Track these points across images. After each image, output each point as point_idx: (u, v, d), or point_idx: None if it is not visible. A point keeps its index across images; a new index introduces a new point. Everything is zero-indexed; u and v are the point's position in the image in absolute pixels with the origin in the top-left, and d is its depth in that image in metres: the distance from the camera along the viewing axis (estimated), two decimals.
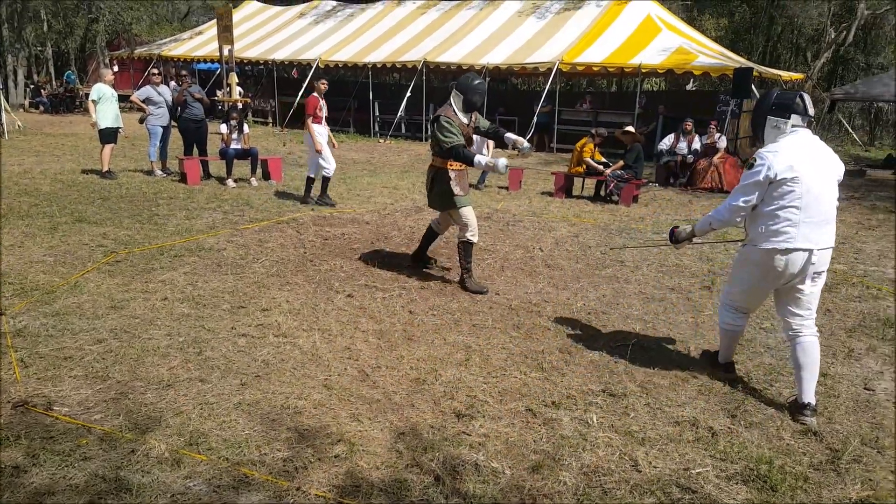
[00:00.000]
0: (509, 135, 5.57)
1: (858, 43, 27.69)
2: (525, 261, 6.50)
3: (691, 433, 3.32)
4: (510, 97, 21.61)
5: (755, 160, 3.51)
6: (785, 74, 17.58)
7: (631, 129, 10.70)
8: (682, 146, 12.13)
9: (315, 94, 8.60)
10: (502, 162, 5.21)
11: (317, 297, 5.10)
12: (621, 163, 10.14)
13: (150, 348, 4.05)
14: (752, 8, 29.03)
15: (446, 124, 5.24)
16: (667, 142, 12.52)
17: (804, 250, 3.44)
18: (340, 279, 5.60)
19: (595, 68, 16.52)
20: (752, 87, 13.66)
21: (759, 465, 3.03)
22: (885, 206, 10.59)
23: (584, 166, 10.36)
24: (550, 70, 15.97)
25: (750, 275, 3.67)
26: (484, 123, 5.66)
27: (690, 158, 11.98)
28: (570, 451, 3.11)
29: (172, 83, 12.48)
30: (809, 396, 3.54)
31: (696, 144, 12.09)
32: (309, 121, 8.47)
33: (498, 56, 17.37)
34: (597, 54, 16.16)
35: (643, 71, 15.71)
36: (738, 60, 16.26)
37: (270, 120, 21.64)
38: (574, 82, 24.56)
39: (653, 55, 15.39)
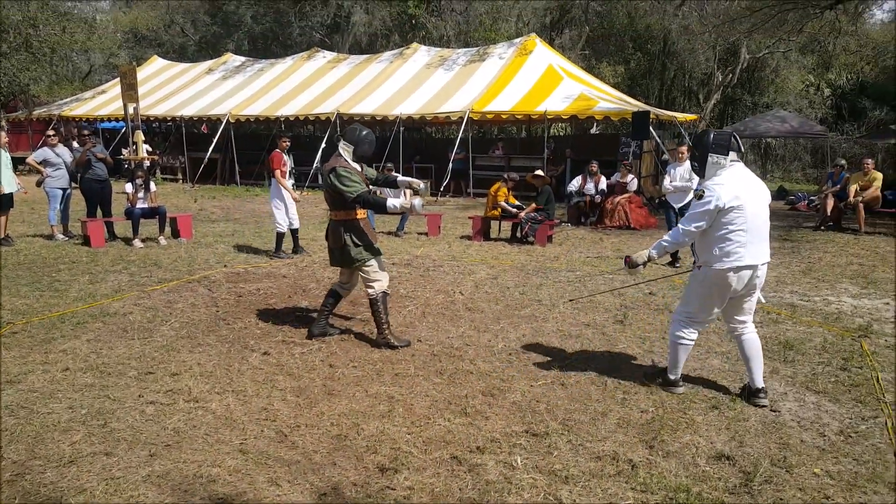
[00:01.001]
0: (402, 178, 5.53)
1: (744, 84, 29.91)
2: (446, 305, 6.53)
3: (612, 467, 3.37)
4: (425, 145, 21.97)
5: (704, 192, 3.98)
6: (680, 116, 18.71)
7: (541, 172, 11.08)
8: (590, 187, 12.63)
9: (278, 150, 8.84)
10: (417, 201, 5.02)
11: (230, 358, 4.92)
12: (534, 205, 10.45)
13: (49, 423, 3.79)
14: (646, 56, 30.94)
15: (346, 174, 5.03)
16: (575, 183, 13.00)
17: (751, 267, 3.97)
18: (256, 337, 5.45)
19: (504, 116, 17.08)
20: (651, 128, 14.43)
21: (678, 494, 3.11)
22: (778, 234, 11.29)
23: (500, 210, 10.61)
24: (462, 118, 16.40)
25: (706, 292, 4.13)
26: (372, 173, 5.46)
27: (598, 198, 12.47)
28: (496, 497, 3.09)
29: (75, 143, 12.03)
30: (759, 382, 4.15)
31: (603, 185, 12.61)
32: (277, 174, 8.67)
33: (411, 106, 17.70)
34: (505, 103, 16.74)
35: (549, 117, 16.36)
36: (636, 104, 17.19)
37: (180, 176, 21.11)
38: (485, 129, 25.26)
39: (557, 102, 16.07)
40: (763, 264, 4.05)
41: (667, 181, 8.78)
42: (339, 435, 3.71)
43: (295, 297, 6.74)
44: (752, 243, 3.95)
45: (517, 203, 10.80)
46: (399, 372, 4.68)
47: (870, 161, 11.94)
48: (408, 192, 5.45)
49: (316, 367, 4.75)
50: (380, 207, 5.12)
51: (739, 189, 3.91)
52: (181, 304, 6.39)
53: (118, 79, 18.69)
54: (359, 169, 5.23)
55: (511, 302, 6.69)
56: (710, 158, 4.03)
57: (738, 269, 3.96)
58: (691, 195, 8.39)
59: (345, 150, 5.22)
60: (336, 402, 4.15)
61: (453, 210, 14.41)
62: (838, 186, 11.98)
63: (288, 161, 8.83)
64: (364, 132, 5.25)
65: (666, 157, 15.76)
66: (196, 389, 4.30)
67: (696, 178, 8.34)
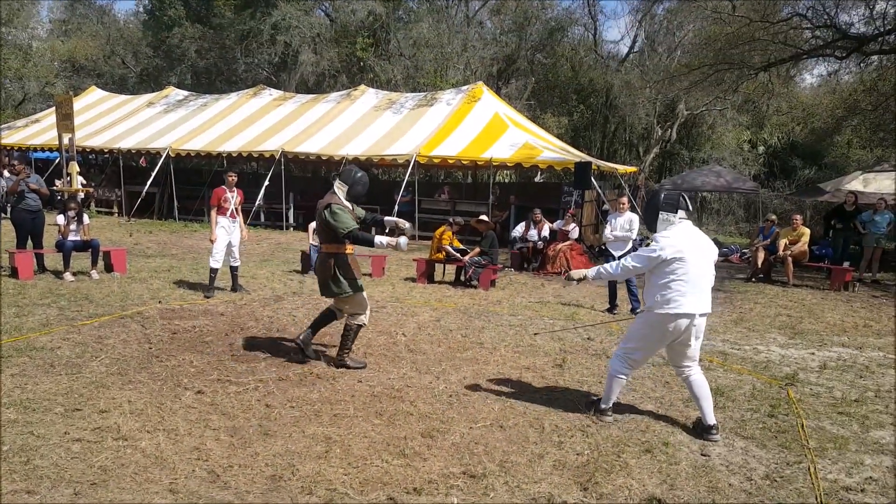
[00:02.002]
0: (388, 218, 5.90)
1: (682, 139, 31.30)
2: (388, 346, 6.50)
3: None
4: (372, 187, 21.87)
5: (652, 242, 4.42)
6: (621, 168, 19.38)
7: (485, 217, 11.26)
8: (533, 233, 12.88)
9: (224, 185, 8.74)
10: (403, 240, 5.32)
11: (162, 396, 4.76)
12: (478, 249, 10.58)
13: None
14: (588, 108, 32.10)
15: (339, 211, 5.43)
16: (519, 229, 13.25)
17: (688, 315, 4.30)
18: (190, 375, 5.29)
19: (451, 161, 17.33)
20: (592, 179, 14.89)
21: None
22: (713, 285, 11.70)
23: (444, 253, 10.69)
24: (409, 162, 16.57)
25: (646, 333, 4.50)
26: (361, 213, 5.82)
27: (541, 245, 12.73)
28: None
29: (6, 172, 11.62)
30: (711, 419, 4.45)
31: (546, 231, 12.88)
32: (213, 211, 8.56)
33: (357, 147, 17.79)
34: (452, 148, 17.01)
35: (494, 164, 16.70)
36: (578, 155, 17.76)
37: (116, 210, 20.51)
38: (432, 173, 25.57)
39: (502, 150, 16.43)
40: (701, 315, 4.35)
41: (608, 230, 9.05)
42: (274, 476, 3.62)
43: (233, 335, 6.59)
44: (691, 293, 4.29)
45: (461, 247, 10.92)
46: (338, 412, 4.61)
47: (798, 217, 12.59)
48: (396, 231, 5.76)
49: (252, 407, 4.64)
50: (368, 243, 5.42)
51: (683, 244, 4.32)
52: (112, 340, 6.16)
53: (53, 108, 18.26)
54: (350, 208, 5.59)
55: (453, 344, 6.71)
56: (660, 216, 4.47)
57: (676, 316, 4.30)
58: (630, 244, 8.68)
59: (339, 188, 5.63)
60: (272, 442, 4.06)
61: (397, 252, 14.41)
62: (768, 241, 12.54)
63: (231, 197, 8.69)
64: (359, 174, 5.68)
65: (607, 207, 16.26)
66: (125, 427, 4.14)
67: (635, 229, 8.65)
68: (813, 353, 7.01)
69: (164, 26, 32.13)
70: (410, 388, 5.21)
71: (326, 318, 5.91)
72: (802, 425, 4.75)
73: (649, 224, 4.57)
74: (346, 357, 5.68)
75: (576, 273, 4.83)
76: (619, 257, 8.61)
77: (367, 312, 5.79)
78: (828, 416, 5.03)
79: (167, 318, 7.15)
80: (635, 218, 8.82)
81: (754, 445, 4.38)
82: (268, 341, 6.44)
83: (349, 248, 5.60)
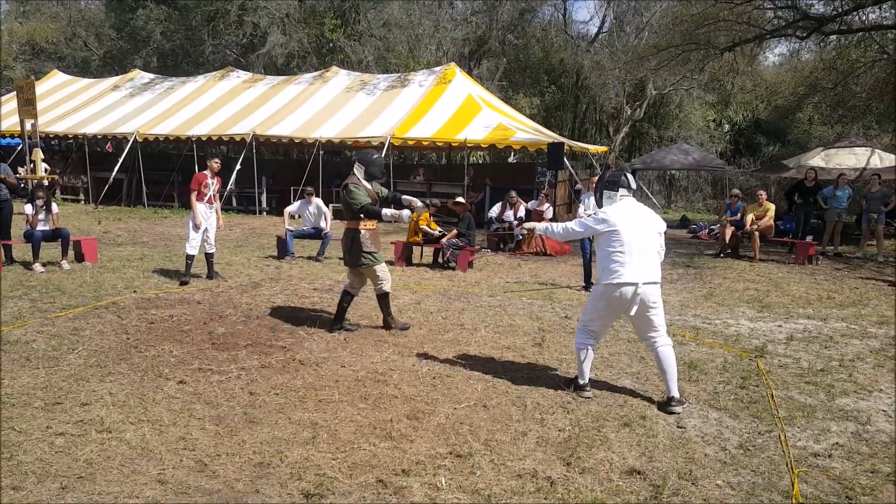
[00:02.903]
0: (405, 197, 6.44)
1: (651, 118, 31.60)
2: (369, 331, 6.53)
3: (532, 484, 3.48)
4: (346, 169, 21.82)
5: (596, 213, 4.79)
6: (592, 148, 19.55)
7: (461, 199, 11.30)
8: (509, 214, 12.97)
9: (205, 171, 8.64)
10: (406, 213, 6.06)
11: (144, 387, 4.75)
12: (455, 231, 10.64)
13: None
14: (560, 89, 32.21)
15: (354, 189, 6.06)
16: (495, 209, 13.33)
17: (631, 284, 4.55)
18: (170, 365, 5.27)
19: (425, 142, 17.33)
20: (565, 159, 15.01)
21: None
22: (682, 261, 11.95)
23: (421, 235, 10.73)
24: (383, 144, 16.50)
25: (598, 304, 4.79)
26: (383, 191, 6.45)
27: (516, 224, 12.83)
28: None
29: None
30: (674, 391, 4.65)
31: (521, 212, 12.98)
32: (192, 196, 8.48)
33: (330, 130, 17.66)
34: (425, 130, 16.98)
35: (469, 145, 16.73)
36: (551, 136, 17.85)
37: (83, 197, 20.09)
38: (406, 155, 25.48)
39: (476, 131, 16.46)
40: (645, 283, 4.58)
41: (581, 209, 9.16)
42: (262, 463, 3.66)
43: (212, 323, 6.57)
44: (632, 263, 4.57)
45: (438, 229, 10.96)
46: (323, 398, 4.65)
47: (763, 193, 12.87)
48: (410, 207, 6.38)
49: (236, 395, 4.65)
50: (377, 216, 6.12)
51: (621, 218, 4.65)
52: (88, 332, 6.10)
53: (13, 93, 17.74)
54: (368, 186, 6.21)
55: (434, 326, 6.77)
56: (604, 193, 4.87)
57: (619, 286, 4.58)
58: None
59: (358, 169, 6.25)
60: (258, 429, 4.09)
61: (400, 223, 14.41)
62: (737, 216, 12.79)
63: (211, 184, 8.59)
64: (374, 156, 6.35)
65: (579, 186, 16.40)
66: (109, 419, 4.13)
67: None
68: (780, 326, 7.23)
69: (128, 7, 31.36)
70: (394, 372, 5.27)
71: (345, 301, 6.48)
72: (772, 395, 4.92)
73: (598, 201, 4.96)
74: (390, 320, 6.51)
75: (528, 224, 5.42)
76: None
77: (388, 281, 6.42)
78: (796, 385, 5.21)
79: (143, 308, 7.09)
80: None
81: (727, 416, 4.53)
82: (248, 328, 6.44)
83: (368, 224, 6.18)
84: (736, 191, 13.68)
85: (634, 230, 4.63)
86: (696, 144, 26.53)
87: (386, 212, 6.08)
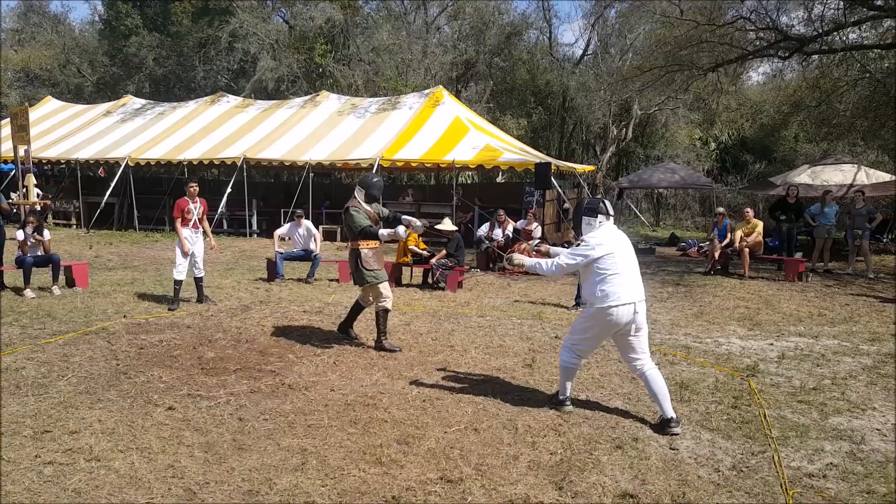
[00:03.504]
0: (405, 217, 6.72)
1: (637, 138, 31.90)
2: (359, 353, 6.52)
3: None
4: (336, 191, 21.93)
5: (582, 242, 4.80)
6: (579, 167, 19.68)
7: (447, 226, 11.30)
8: (498, 233, 13.02)
9: (185, 196, 8.62)
10: (401, 229, 6.43)
11: (133, 414, 4.71)
12: (444, 251, 10.67)
13: None
14: (546, 110, 32.51)
15: (354, 212, 6.43)
16: (484, 229, 13.38)
17: (629, 303, 4.63)
18: (160, 391, 5.23)
19: (414, 163, 17.41)
20: (552, 179, 15.10)
21: None
22: (672, 279, 11.99)
23: (411, 256, 10.74)
24: (372, 165, 16.56)
25: (590, 325, 4.84)
26: (384, 211, 6.87)
27: (502, 242, 12.88)
28: None
29: None
30: (669, 413, 4.65)
31: (509, 231, 13.03)
32: (177, 223, 8.53)
33: (321, 152, 17.73)
34: (414, 151, 17.08)
35: (457, 166, 16.82)
36: (538, 156, 17.99)
37: (75, 221, 20.05)
38: (395, 176, 25.58)
39: (464, 152, 16.56)
40: (640, 301, 4.70)
41: None
42: (251, 490, 3.63)
43: (201, 348, 6.54)
44: (627, 284, 4.67)
45: (428, 249, 10.99)
46: (312, 423, 4.63)
47: (750, 210, 12.97)
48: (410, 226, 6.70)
49: (224, 421, 4.62)
50: (375, 237, 6.42)
51: (609, 241, 4.74)
52: (78, 358, 6.06)
53: (8, 119, 17.75)
54: (369, 209, 6.57)
55: (424, 348, 6.77)
56: (583, 220, 4.89)
57: (618, 307, 4.63)
58: None
59: (358, 192, 6.60)
60: (247, 456, 4.06)
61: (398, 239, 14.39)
62: (725, 240, 12.76)
63: (194, 208, 8.59)
64: (375, 179, 6.75)
65: (567, 205, 16.50)
66: (97, 447, 4.09)
67: None
68: (771, 344, 7.25)
69: (121, 35, 31.61)
70: (384, 395, 5.25)
71: (355, 311, 7.00)
72: (765, 415, 4.91)
73: (576, 228, 4.99)
74: (383, 340, 6.63)
75: (516, 258, 5.25)
76: None
77: (389, 299, 6.68)
78: (788, 405, 5.21)
79: (133, 333, 7.04)
80: None
81: (720, 437, 4.52)
82: (237, 353, 6.41)
83: (369, 244, 6.51)
84: (720, 209, 13.76)
85: (624, 251, 4.77)
86: (682, 163, 26.75)
87: (382, 232, 6.40)
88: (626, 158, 32.54)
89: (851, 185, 16.60)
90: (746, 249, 12.21)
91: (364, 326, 7.59)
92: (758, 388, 5.59)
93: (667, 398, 4.69)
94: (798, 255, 13.26)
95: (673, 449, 4.31)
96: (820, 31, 14.53)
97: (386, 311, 6.67)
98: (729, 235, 12.64)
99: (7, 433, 4.30)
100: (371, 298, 6.81)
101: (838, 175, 17.52)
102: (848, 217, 13.45)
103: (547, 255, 5.29)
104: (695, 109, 30.83)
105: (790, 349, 7.01)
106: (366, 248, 6.51)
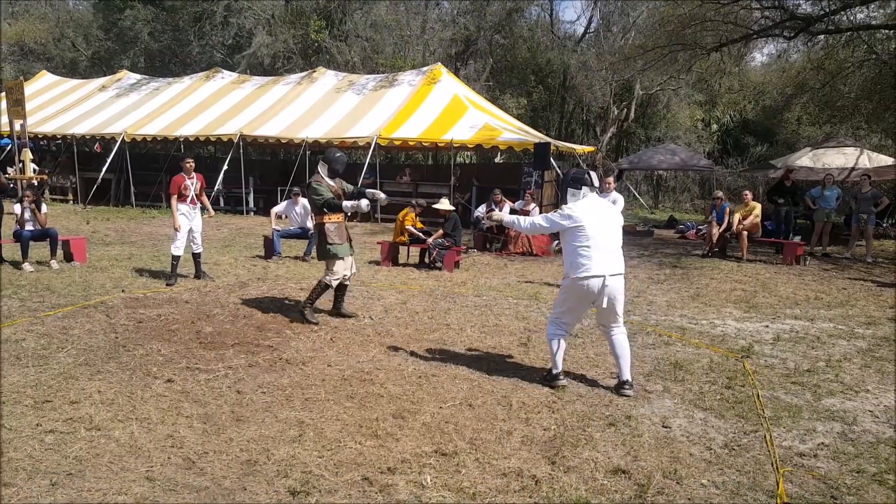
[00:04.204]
0: (369, 190, 6.86)
1: (638, 118, 31.73)
2: (356, 330, 6.56)
3: (517, 483, 3.52)
4: None
5: (563, 210, 4.97)
6: (579, 148, 19.61)
7: (444, 203, 11.31)
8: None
9: (182, 173, 8.62)
10: (364, 202, 6.48)
11: (132, 385, 4.76)
12: (441, 231, 10.68)
13: None
14: (546, 89, 32.27)
15: (316, 186, 6.60)
16: (481, 210, 13.37)
17: (599, 276, 4.77)
18: (158, 364, 5.28)
19: (411, 143, 17.33)
20: (551, 159, 15.07)
21: None
22: (669, 261, 12.04)
23: (408, 235, 10.75)
24: (369, 144, 16.50)
25: (566, 297, 5.02)
26: (348, 187, 6.93)
27: (484, 216, 12.87)
28: None
29: None
30: (626, 375, 4.98)
31: (507, 211, 13.02)
32: (173, 199, 8.52)
33: (317, 130, 17.64)
34: (412, 130, 16.99)
35: (455, 146, 16.75)
36: (537, 136, 17.92)
37: (71, 197, 19.99)
38: (393, 155, 25.48)
39: (463, 131, 16.48)
40: (612, 275, 4.81)
41: None
42: (249, 460, 3.68)
43: (199, 323, 6.57)
44: (598, 257, 4.79)
45: (424, 229, 10.99)
46: (309, 397, 4.68)
47: (748, 193, 12.97)
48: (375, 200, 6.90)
49: (223, 394, 4.67)
50: (338, 208, 6.59)
51: (585, 214, 4.86)
52: (77, 331, 6.09)
53: (2, 94, 17.62)
54: (332, 183, 6.72)
55: (420, 326, 6.81)
56: (568, 192, 5.06)
57: (587, 278, 4.79)
58: None
59: (322, 167, 6.76)
60: (245, 428, 4.11)
61: (361, 235, 14.42)
62: (724, 224, 12.75)
63: (190, 184, 8.58)
64: (338, 154, 6.86)
65: None
66: (97, 417, 4.14)
67: (617, 207, 8.79)
68: (767, 326, 7.29)
69: (116, 8, 31.30)
70: (380, 371, 5.30)
71: (338, 292, 6.99)
72: (758, 396, 4.96)
73: (562, 197, 5.13)
74: (307, 308, 6.72)
75: (495, 215, 5.53)
76: None
77: (337, 278, 6.73)
78: (782, 386, 5.26)
79: (132, 307, 7.07)
80: (620, 198, 8.99)
81: (713, 416, 4.57)
82: (235, 328, 6.45)
83: (333, 218, 6.61)
84: (718, 193, 13.76)
85: (599, 225, 4.86)
86: (683, 144, 26.68)
87: (346, 203, 6.57)
88: (626, 139, 32.41)
89: (853, 169, 16.58)
90: (745, 233, 12.24)
91: (361, 304, 7.64)
92: (752, 370, 5.64)
93: (628, 362, 4.99)
94: (796, 239, 13.29)
95: (665, 427, 4.36)
96: (827, 10, 14.38)
97: (326, 286, 6.75)
98: (727, 219, 12.65)
99: (8, 402, 4.34)
100: (353, 271, 6.99)
101: (840, 158, 17.47)
102: (854, 201, 13.42)
103: (499, 221, 5.50)
104: (697, 90, 30.66)
105: (785, 332, 7.06)
106: (329, 221, 6.61)
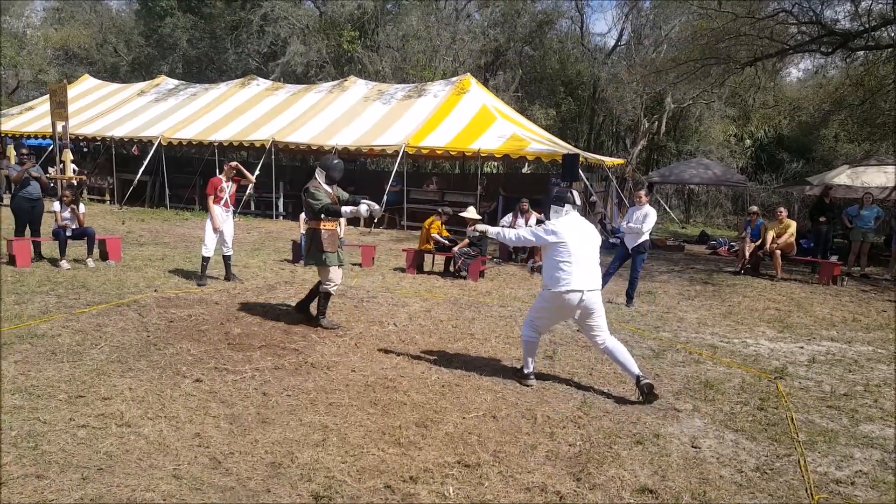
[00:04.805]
0: (364, 200, 6.75)
1: (669, 131, 31.40)
2: (380, 336, 6.58)
3: (541, 498, 3.49)
4: (360, 176, 22.04)
5: (547, 225, 5.20)
6: (608, 160, 19.47)
7: (471, 212, 11.29)
8: (521, 223, 12.95)
9: (220, 175, 8.85)
10: (363, 207, 6.49)
11: (162, 383, 4.83)
12: (467, 240, 10.67)
13: None
14: (576, 100, 32.15)
15: (314, 191, 6.51)
16: (507, 220, 13.31)
17: (577, 291, 4.98)
18: (188, 363, 5.35)
19: (439, 151, 17.36)
20: (580, 171, 14.97)
21: None
22: (701, 277, 11.86)
23: (433, 243, 10.77)
24: (397, 152, 16.58)
25: (545, 306, 5.24)
26: (343, 194, 6.85)
27: (469, 226, 12.75)
28: None
29: (5, 161, 11.55)
30: (636, 371, 5.12)
31: (533, 221, 12.96)
32: (210, 201, 8.67)
33: (347, 137, 17.78)
34: (440, 139, 17.04)
35: (482, 155, 16.74)
36: (566, 147, 17.82)
37: (108, 197, 20.43)
38: (420, 163, 25.59)
39: (490, 141, 16.48)
40: (589, 290, 5.01)
41: (623, 222, 9.18)
42: (274, 463, 3.70)
43: (228, 324, 6.65)
44: (578, 273, 4.99)
45: (450, 237, 11.00)
46: (333, 401, 4.70)
47: (783, 210, 12.71)
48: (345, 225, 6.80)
49: (250, 395, 4.72)
50: (337, 214, 6.53)
51: (568, 231, 5.08)
52: (111, 328, 6.21)
53: (47, 95, 18.07)
54: (329, 189, 6.65)
55: (444, 335, 6.80)
56: (552, 209, 5.32)
57: (567, 292, 4.99)
58: (645, 237, 8.78)
59: (319, 173, 6.68)
60: (270, 430, 4.14)
61: (387, 242, 14.49)
62: (759, 240, 12.53)
63: (227, 187, 8.72)
64: (335, 161, 6.76)
65: (594, 198, 16.36)
66: (128, 414, 4.21)
67: (648, 222, 8.73)
68: (802, 347, 7.12)
69: (157, 16, 32.09)
70: (403, 378, 5.30)
71: (314, 292, 6.97)
72: (792, 418, 4.84)
73: (546, 213, 5.37)
74: (322, 319, 6.78)
75: (480, 227, 5.63)
76: (632, 249, 8.75)
77: (336, 284, 6.78)
78: (817, 409, 5.12)
79: (163, 307, 7.19)
80: (651, 212, 8.90)
81: (744, 438, 4.47)
82: (262, 330, 6.52)
83: (328, 225, 6.56)
84: (753, 208, 13.52)
85: (580, 242, 5.08)
86: (715, 159, 26.32)
87: (345, 209, 6.53)
88: (656, 152, 32.09)
89: (895, 188, 16.17)
90: (778, 251, 12.02)
91: (385, 311, 7.66)
92: (786, 391, 5.50)
93: (632, 362, 5.16)
94: (834, 258, 12.99)
95: (695, 447, 4.28)
96: (866, 26, 14.10)
97: (328, 294, 6.79)
98: (763, 235, 12.43)
99: (44, 396, 4.45)
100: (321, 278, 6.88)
101: (881, 177, 16.99)
102: (894, 220, 13.04)
103: (485, 233, 5.57)
104: (730, 104, 30.26)
105: (821, 353, 6.89)
106: (323, 228, 6.55)
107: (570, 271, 4.99)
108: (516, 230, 5.45)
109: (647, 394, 5.01)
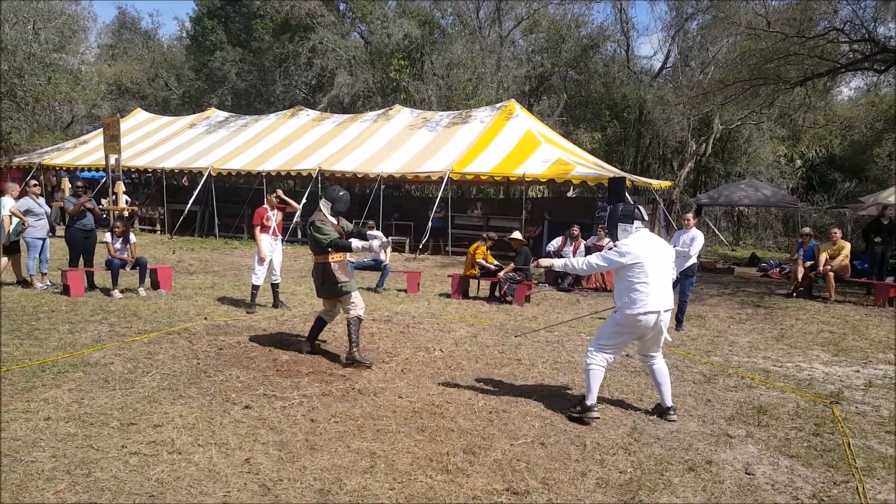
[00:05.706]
0: (371, 232, 6.74)
1: (717, 153, 30.89)
2: (426, 362, 6.58)
3: None
4: (405, 203, 22.24)
5: (616, 247, 4.98)
6: (655, 183, 19.24)
7: (518, 235, 11.28)
8: (568, 250, 12.85)
9: (265, 205, 9.04)
10: (375, 242, 6.31)
11: (212, 410, 4.91)
12: (512, 265, 10.64)
13: (33, 472, 3.75)
14: (622, 123, 31.94)
15: (321, 225, 6.28)
16: (555, 244, 13.24)
17: (654, 312, 4.82)
18: (237, 390, 5.44)
19: (483, 177, 17.43)
20: (626, 194, 14.83)
21: None
22: (752, 300, 11.56)
23: (478, 268, 10.76)
24: (442, 178, 16.71)
25: (617, 330, 5.02)
26: (348, 226, 6.72)
27: (533, 262, 12.65)
28: None
29: (59, 193, 12.05)
30: (669, 402, 5.09)
31: (582, 249, 12.86)
32: (256, 230, 8.82)
33: (392, 165, 18.01)
34: (484, 164, 17.13)
35: (527, 180, 16.74)
36: (612, 170, 17.69)
37: (159, 227, 21.08)
38: (465, 189, 25.70)
39: (535, 166, 16.48)
40: (666, 310, 4.88)
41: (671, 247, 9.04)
42: (322, 489, 3.72)
43: (276, 351, 6.74)
44: (654, 293, 4.82)
45: (496, 262, 10.98)
46: (381, 428, 4.70)
47: (837, 231, 12.36)
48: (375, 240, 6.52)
49: (298, 422, 4.76)
50: (347, 249, 6.29)
51: (642, 250, 4.87)
52: (162, 356, 6.36)
53: (100, 129, 18.84)
54: (335, 222, 6.43)
55: (490, 360, 6.76)
56: (619, 227, 5.12)
57: (645, 314, 4.81)
58: (693, 260, 8.63)
59: (324, 205, 6.46)
60: (318, 456, 4.16)
61: (432, 268, 14.54)
62: (811, 263, 12.18)
63: (273, 216, 8.92)
64: (341, 192, 6.52)
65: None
66: (179, 441, 4.29)
67: (696, 245, 8.58)
68: (858, 371, 6.89)
69: (207, 50, 33.32)
70: (450, 404, 5.28)
71: (318, 326, 6.81)
72: (849, 444, 4.69)
73: (611, 234, 5.06)
74: (354, 353, 6.33)
75: (545, 261, 5.46)
76: (681, 273, 8.60)
77: (362, 308, 6.45)
78: (875, 434, 4.95)
79: (213, 334, 7.34)
80: (699, 235, 8.77)
81: (800, 464, 4.34)
82: (309, 357, 6.59)
83: (336, 257, 6.33)
84: (806, 229, 13.15)
85: (654, 260, 4.90)
86: (765, 180, 25.76)
87: (356, 243, 6.30)
88: (704, 174, 31.56)
89: None
90: (831, 273, 11.65)
91: (431, 337, 7.67)
92: (842, 416, 5.33)
93: (668, 389, 5.09)
94: (889, 280, 12.53)
95: (749, 474, 4.16)
96: None
97: (359, 319, 6.40)
98: (817, 257, 12.07)
99: (96, 424, 4.56)
100: (339, 310, 6.65)
101: None
102: None
103: (551, 267, 5.42)
104: (780, 124, 29.66)
105: (878, 377, 6.64)
106: (333, 261, 6.31)
107: (646, 292, 4.80)
108: (585, 258, 5.19)
109: (660, 414, 5.08)
